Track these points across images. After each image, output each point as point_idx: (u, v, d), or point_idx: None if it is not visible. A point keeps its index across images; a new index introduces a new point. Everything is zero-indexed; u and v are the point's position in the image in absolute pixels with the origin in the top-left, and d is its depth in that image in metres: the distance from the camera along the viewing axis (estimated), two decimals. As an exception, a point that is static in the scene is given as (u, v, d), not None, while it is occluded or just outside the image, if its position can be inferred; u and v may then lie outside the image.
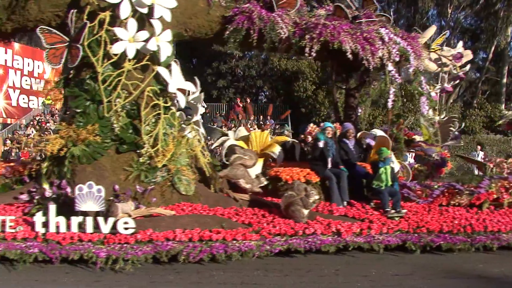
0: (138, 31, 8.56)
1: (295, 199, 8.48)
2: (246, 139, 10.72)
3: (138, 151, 8.74)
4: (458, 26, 40.21)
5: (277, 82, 37.04)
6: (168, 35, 8.75)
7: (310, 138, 11.42)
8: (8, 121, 28.82)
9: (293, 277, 6.95)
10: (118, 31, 8.52)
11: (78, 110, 8.77)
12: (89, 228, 7.73)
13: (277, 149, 10.50)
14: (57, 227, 7.74)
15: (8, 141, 23.70)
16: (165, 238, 7.61)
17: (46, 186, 8.61)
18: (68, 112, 9.09)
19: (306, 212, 8.48)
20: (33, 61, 30.44)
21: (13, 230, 7.84)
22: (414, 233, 8.50)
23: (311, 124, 11.98)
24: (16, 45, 29.88)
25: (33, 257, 7.30)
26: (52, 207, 7.82)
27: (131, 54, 8.57)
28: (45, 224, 7.79)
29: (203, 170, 9.49)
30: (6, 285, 6.58)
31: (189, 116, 9.93)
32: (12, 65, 28.67)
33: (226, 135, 11.51)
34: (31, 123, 29.78)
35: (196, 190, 9.12)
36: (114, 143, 8.79)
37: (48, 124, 27.96)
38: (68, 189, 8.48)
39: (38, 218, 7.83)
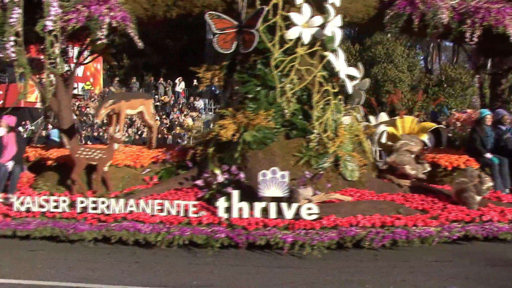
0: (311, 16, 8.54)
1: (468, 185, 8.36)
2: (391, 124, 10.59)
3: (307, 136, 8.73)
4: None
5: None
6: (339, 20, 8.72)
7: (459, 124, 11.29)
8: (50, 106, 29.09)
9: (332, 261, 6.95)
10: (293, 16, 8.49)
11: (250, 96, 8.78)
12: (273, 213, 7.76)
13: (426, 135, 10.36)
14: (240, 212, 7.82)
15: (50, 126, 24.11)
16: (349, 224, 7.60)
17: (217, 171, 8.65)
18: (234, 97, 9.08)
19: (478, 198, 8.35)
20: (73, 47, 30.70)
21: (196, 215, 7.94)
22: None
23: (453, 110, 11.84)
24: (57, 31, 30.31)
25: (219, 242, 7.39)
26: (235, 193, 7.87)
27: (306, 39, 8.55)
28: (228, 210, 7.86)
29: (366, 156, 9.43)
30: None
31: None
32: (53, 51, 29.01)
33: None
34: (72, 108, 30.09)
35: (360, 176, 9.06)
36: (285, 128, 8.79)
37: (87, 109, 28.42)
38: (242, 175, 8.51)
39: (221, 203, 7.90)
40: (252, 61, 8.89)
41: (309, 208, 7.68)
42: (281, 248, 7.24)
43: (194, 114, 26.91)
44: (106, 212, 8.07)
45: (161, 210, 8.05)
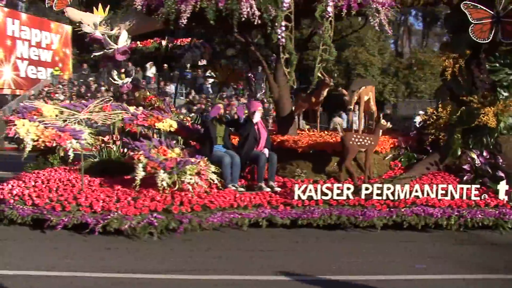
0: None
1: None
2: None
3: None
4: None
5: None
6: None
7: None
8: (17, 92, 28.27)
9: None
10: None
11: (504, 84, 9.24)
12: None
13: None
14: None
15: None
16: None
17: (474, 156, 9.08)
18: (479, 85, 9.43)
19: None
20: (41, 32, 29.82)
21: (478, 198, 8.36)
22: None
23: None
24: (24, 16, 29.70)
25: (510, 223, 8.00)
26: (510, 179, 8.43)
27: None
28: (506, 192, 8.37)
29: None
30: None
31: None
32: (20, 35, 28.03)
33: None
34: (40, 94, 29.29)
35: None
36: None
37: (56, 95, 27.61)
38: (500, 159, 9.00)
39: (502, 186, 8.40)
40: (502, 50, 9.31)
41: None
42: None
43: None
44: (391, 198, 8.27)
45: (444, 195, 8.38)
